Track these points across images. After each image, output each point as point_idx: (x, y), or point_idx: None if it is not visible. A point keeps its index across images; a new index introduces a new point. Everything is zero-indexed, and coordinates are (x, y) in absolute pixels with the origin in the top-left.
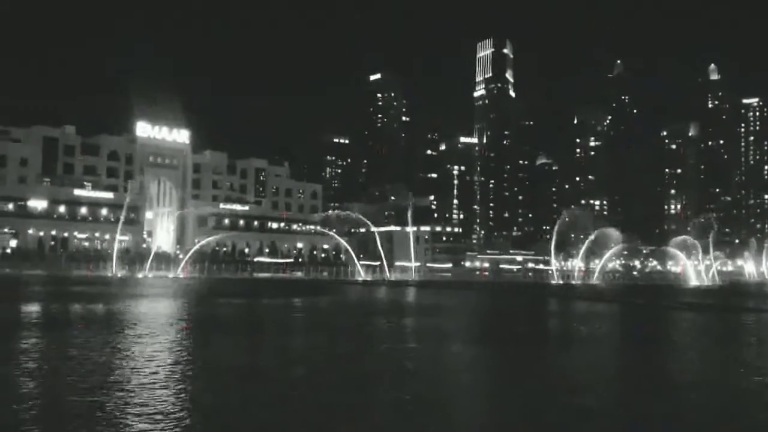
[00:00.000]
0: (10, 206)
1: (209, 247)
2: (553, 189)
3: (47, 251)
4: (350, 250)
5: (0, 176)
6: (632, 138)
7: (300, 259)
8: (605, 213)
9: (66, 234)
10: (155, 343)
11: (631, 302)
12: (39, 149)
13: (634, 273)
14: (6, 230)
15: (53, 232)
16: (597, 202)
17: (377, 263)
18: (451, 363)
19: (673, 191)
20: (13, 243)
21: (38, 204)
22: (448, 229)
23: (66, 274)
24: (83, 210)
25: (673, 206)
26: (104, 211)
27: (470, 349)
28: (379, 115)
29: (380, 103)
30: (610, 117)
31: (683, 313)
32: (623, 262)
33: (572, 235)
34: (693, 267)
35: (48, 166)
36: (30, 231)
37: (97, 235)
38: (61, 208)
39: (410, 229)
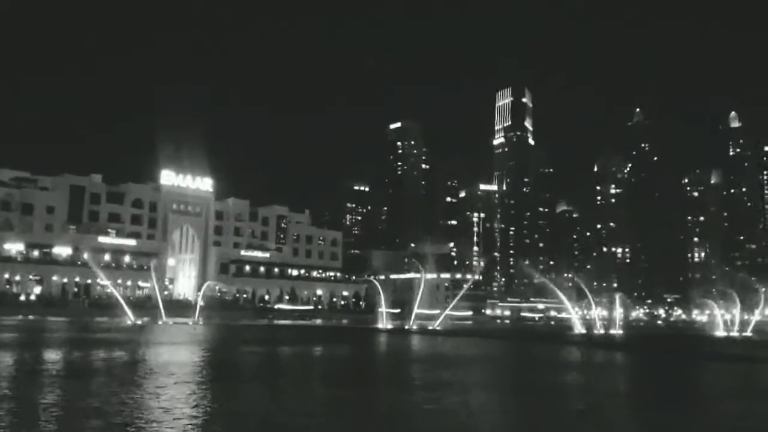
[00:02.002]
0: (36, 253)
1: (230, 294)
2: (574, 236)
3: (70, 298)
4: (381, 295)
5: (27, 223)
6: (653, 185)
7: (319, 306)
8: (627, 261)
9: (89, 281)
10: (173, 394)
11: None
12: (66, 197)
13: (659, 322)
14: (31, 277)
15: (77, 279)
16: (619, 250)
17: (397, 310)
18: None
19: (696, 239)
20: (38, 290)
21: (63, 251)
22: (468, 276)
23: (88, 320)
24: (107, 257)
25: (696, 254)
26: (127, 258)
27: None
28: (399, 163)
29: (400, 151)
30: (630, 164)
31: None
32: (647, 310)
33: (595, 283)
34: (721, 316)
35: (74, 214)
36: (54, 278)
37: (119, 281)
38: (85, 255)
39: (431, 276)
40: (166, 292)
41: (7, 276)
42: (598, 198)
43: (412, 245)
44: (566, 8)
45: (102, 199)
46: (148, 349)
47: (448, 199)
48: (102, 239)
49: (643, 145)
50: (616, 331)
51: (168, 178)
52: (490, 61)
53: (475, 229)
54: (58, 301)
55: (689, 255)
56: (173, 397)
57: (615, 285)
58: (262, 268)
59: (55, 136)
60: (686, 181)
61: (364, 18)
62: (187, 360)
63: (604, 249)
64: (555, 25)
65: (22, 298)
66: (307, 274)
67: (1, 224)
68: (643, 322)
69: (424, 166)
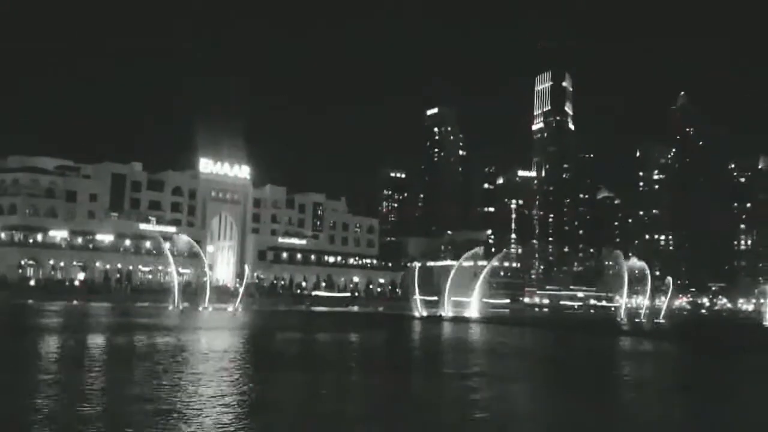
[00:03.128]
0: (80, 240)
1: (267, 281)
2: (615, 224)
3: (113, 284)
4: (416, 282)
5: (70, 211)
6: (698, 171)
7: (356, 293)
8: (671, 249)
9: (131, 267)
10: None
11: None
12: (107, 185)
13: (703, 311)
14: (75, 263)
15: (119, 266)
16: (662, 237)
17: (434, 298)
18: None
19: (743, 226)
20: (81, 276)
21: (105, 238)
22: (506, 264)
23: (130, 305)
24: (147, 244)
25: (743, 241)
26: (167, 245)
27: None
28: (436, 149)
29: (437, 138)
30: (674, 149)
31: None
32: (691, 299)
33: (636, 272)
34: None
35: (116, 201)
36: (97, 264)
37: (160, 268)
38: (127, 242)
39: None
40: (205, 279)
41: (52, 262)
42: (641, 184)
43: (449, 232)
44: None
45: (142, 187)
46: (190, 334)
47: (486, 185)
48: (143, 226)
49: (687, 129)
50: (661, 320)
51: (206, 165)
52: (529, 45)
53: (513, 216)
54: (101, 287)
55: (735, 242)
56: (218, 383)
57: (657, 273)
58: (299, 255)
59: (95, 124)
60: (732, 166)
61: (401, 4)
62: (230, 346)
63: (647, 236)
64: (596, 7)
65: (67, 284)
66: (343, 261)
67: (46, 212)
68: (686, 311)
69: (461, 152)
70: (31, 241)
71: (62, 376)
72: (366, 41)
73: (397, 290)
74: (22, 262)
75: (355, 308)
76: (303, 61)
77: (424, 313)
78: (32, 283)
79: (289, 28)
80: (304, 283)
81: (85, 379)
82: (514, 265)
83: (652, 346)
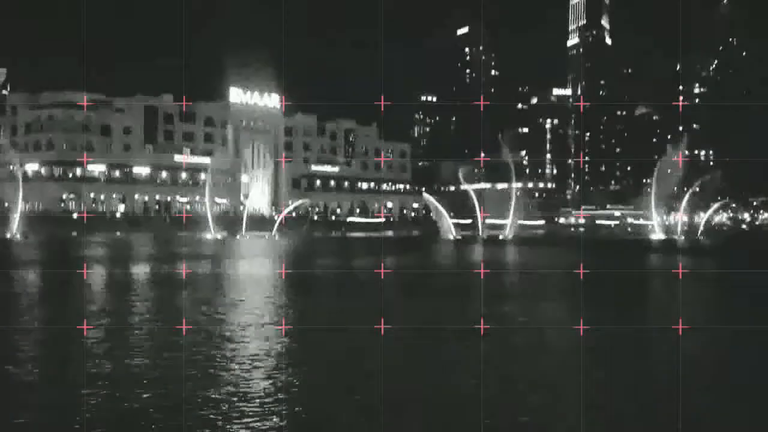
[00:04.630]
0: (117, 173)
1: (302, 208)
2: (654, 140)
3: (152, 215)
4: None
5: (106, 145)
6: (741, 83)
7: (391, 219)
8: (711, 164)
9: (168, 198)
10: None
11: None
12: (141, 118)
13: (743, 226)
14: (114, 196)
15: (157, 197)
16: (702, 153)
17: (468, 221)
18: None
19: None
20: (122, 208)
21: (142, 170)
22: (541, 185)
23: (171, 235)
24: (183, 175)
25: None
26: (202, 176)
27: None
28: (468, 70)
29: (468, 58)
30: (716, 61)
31: None
32: (731, 215)
33: (675, 188)
34: None
35: (149, 134)
36: (136, 196)
37: (197, 198)
38: (163, 174)
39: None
40: (241, 207)
41: (92, 196)
42: (680, 99)
43: (482, 155)
44: None
45: (175, 119)
46: (231, 261)
47: (519, 105)
48: (178, 157)
49: (730, 39)
50: (700, 236)
51: (236, 95)
52: None
53: (548, 136)
54: (142, 219)
55: None
56: (262, 310)
57: (697, 189)
58: (332, 182)
59: (123, 57)
60: None
61: None
62: (271, 274)
63: (686, 152)
64: None
65: (108, 216)
66: (376, 187)
67: (83, 146)
68: (726, 227)
69: (493, 72)
70: (70, 175)
71: (118, 305)
72: None
73: (431, 214)
74: (63, 196)
75: (390, 233)
76: None
77: (459, 236)
78: (74, 216)
79: None
80: (338, 210)
81: (134, 308)
82: (549, 185)
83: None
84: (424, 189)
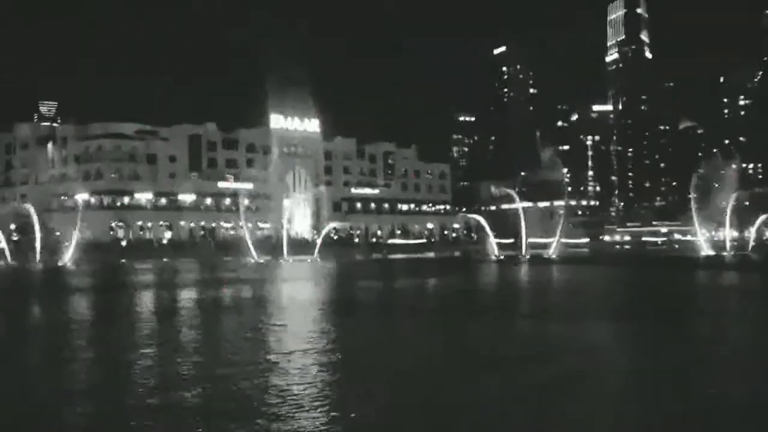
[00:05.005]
0: (164, 201)
1: (344, 231)
2: (699, 154)
3: (197, 240)
4: (486, 225)
5: (153, 173)
6: None
7: (431, 239)
8: (760, 177)
9: (213, 224)
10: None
11: None
12: (185, 146)
13: None
14: (161, 223)
15: (202, 223)
16: (750, 165)
17: (510, 240)
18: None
19: None
20: (168, 234)
21: (187, 198)
22: (584, 202)
23: (216, 261)
24: (227, 201)
25: None
26: (246, 201)
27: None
28: (505, 89)
29: (506, 77)
30: (761, 72)
31: None
32: None
33: (723, 203)
34: None
35: (194, 162)
36: (181, 223)
37: (240, 224)
38: (208, 200)
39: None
40: (283, 232)
41: (140, 223)
42: (726, 111)
43: (522, 174)
44: None
45: (218, 146)
46: (275, 285)
47: (559, 123)
48: (221, 184)
49: None
50: (749, 252)
51: (277, 121)
52: None
53: (590, 152)
54: (187, 244)
55: None
56: (308, 331)
57: (746, 203)
58: (372, 205)
59: (166, 86)
60: None
61: None
62: (314, 296)
63: (733, 165)
64: None
65: (155, 243)
66: (417, 209)
67: (130, 175)
68: None
69: (531, 90)
70: (118, 204)
71: (163, 330)
72: None
73: (473, 234)
74: (112, 224)
75: (431, 254)
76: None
77: (501, 256)
78: (123, 243)
79: None
80: (379, 232)
81: (180, 331)
82: (592, 203)
83: (737, 278)
84: (464, 209)
